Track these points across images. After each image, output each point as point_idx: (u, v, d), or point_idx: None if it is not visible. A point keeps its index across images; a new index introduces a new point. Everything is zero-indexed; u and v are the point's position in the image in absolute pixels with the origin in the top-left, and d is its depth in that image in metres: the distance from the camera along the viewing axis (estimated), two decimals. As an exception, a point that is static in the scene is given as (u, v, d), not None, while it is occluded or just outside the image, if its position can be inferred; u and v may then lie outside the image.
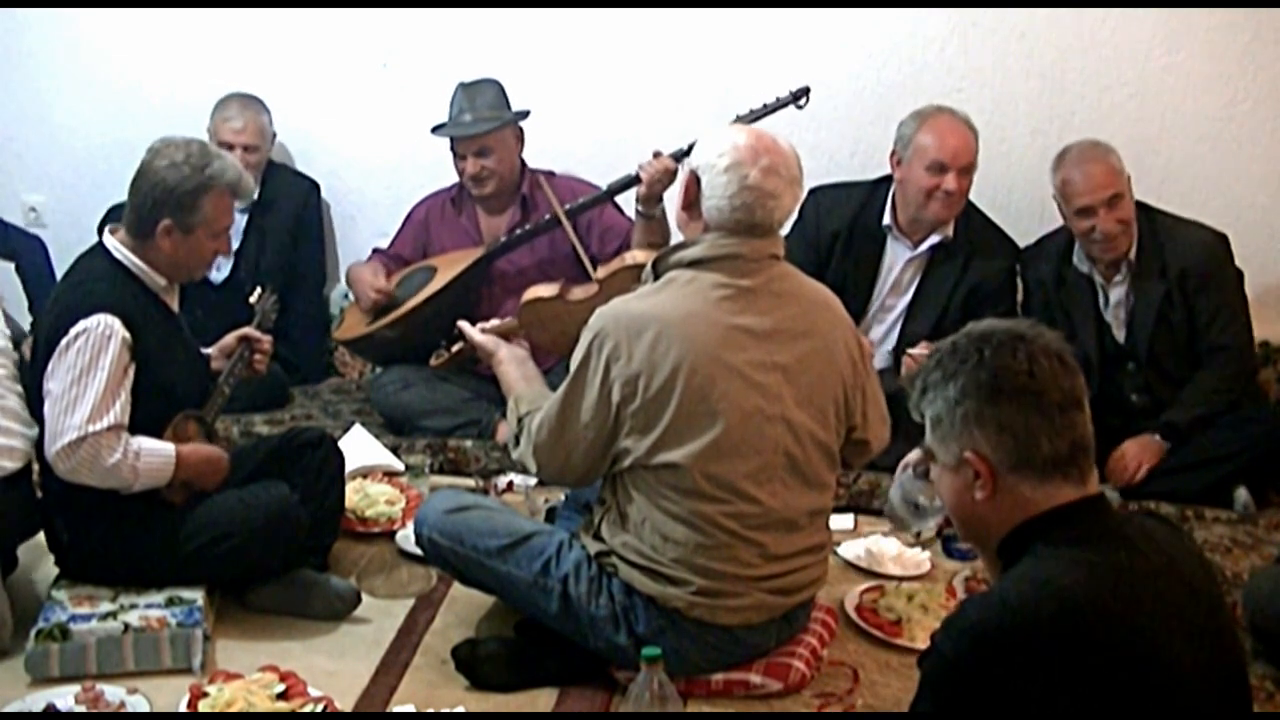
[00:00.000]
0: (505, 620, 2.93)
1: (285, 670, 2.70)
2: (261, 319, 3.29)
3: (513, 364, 2.93)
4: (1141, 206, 3.63)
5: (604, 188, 3.95)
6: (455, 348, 3.16)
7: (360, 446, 3.74)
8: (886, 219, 3.84)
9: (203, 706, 2.58)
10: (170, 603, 2.88)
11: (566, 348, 2.74)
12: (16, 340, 3.21)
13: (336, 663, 2.83)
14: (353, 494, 3.44)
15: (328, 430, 3.42)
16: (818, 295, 2.75)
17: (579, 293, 3.48)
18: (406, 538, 3.24)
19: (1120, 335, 3.69)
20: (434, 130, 4.04)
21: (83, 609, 2.84)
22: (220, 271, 4.27)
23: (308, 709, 2.58)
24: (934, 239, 3.80)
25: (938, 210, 3.72)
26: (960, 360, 1.77)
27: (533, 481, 3.38)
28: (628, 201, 3.94)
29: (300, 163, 4.53)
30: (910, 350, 3.56)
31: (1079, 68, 4.06)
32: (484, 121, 3.96)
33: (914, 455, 2.31)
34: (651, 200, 3.74)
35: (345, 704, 2.67)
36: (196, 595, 2.91)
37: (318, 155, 4.50)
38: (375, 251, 4.29)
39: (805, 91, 3.80)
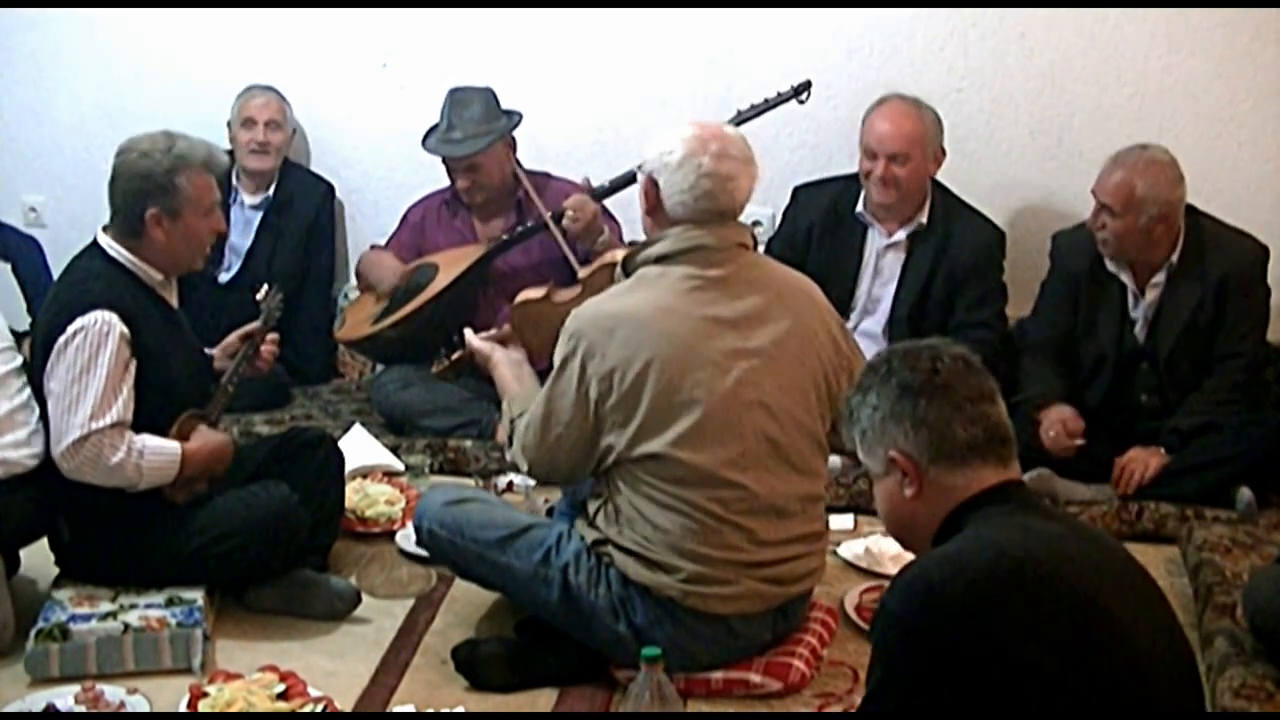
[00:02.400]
0: (505, 620, 2.93)
1: (285, 670, 2.71)
2: (267, 317, 3.28)
3: (507, 367, 2.98)
4: (1188, 209, 3.58)
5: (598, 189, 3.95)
6: (455, 355, 3.18)
7: (360, 446, 3.74)
8: (860, 207, 3.89)
9: (203, 706, 2.58)
10: (170, 603, 2.88)
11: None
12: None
13: (336, 663, 2.84)
14: (353, 494, 3.44)
15: (328, 430, 3.42)
16: (792, 280, 2.79)
17: (564, 294, 3.51)
18: (406, 538, 3.24)
19: (1141, 336, 3.67)
20: (423, 143, 4.02)
21: (83, 609, 2.84)
22: (229, 271, 4.27)
23: (308, 709, 2.59)
24: (909, 228, 3.85)
25: (874, 194, 3.81)
26: (873, 375, 1.90)
27: (533, 481, 3.37)
28: (620, 204, 3.94)
29: (301, 162, 4.53)
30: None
31: (1079, 68, 4.05)
32: (472, 140, 3.93)
33: None
34: (589, 240, 3.80)
35: (345, 704, 2.67)
36: (196, 595, 2.91)
37: (317, 155, 4.49)
38: (373, 249, 4.28)
39: (806, 86, 3.80)
